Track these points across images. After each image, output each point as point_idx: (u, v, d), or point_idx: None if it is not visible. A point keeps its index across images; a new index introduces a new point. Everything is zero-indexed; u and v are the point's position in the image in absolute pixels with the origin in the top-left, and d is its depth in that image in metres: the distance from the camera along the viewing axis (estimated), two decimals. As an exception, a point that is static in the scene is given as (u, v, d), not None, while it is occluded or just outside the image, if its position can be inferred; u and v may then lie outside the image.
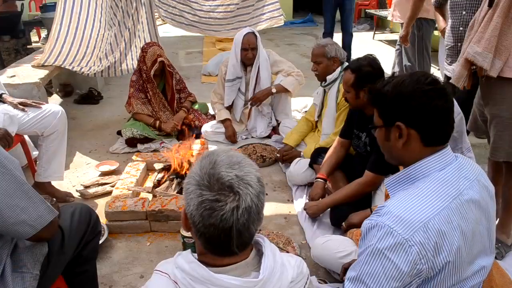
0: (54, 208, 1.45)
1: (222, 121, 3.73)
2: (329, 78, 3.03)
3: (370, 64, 2.34)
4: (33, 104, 2.65)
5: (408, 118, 1.23)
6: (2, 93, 2.69)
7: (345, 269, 1.74)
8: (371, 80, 2.27)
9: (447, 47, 2.81)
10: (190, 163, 2.89)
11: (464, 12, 2.59)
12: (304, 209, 2.54)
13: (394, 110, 1.25)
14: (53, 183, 2.81)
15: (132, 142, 3.59)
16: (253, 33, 3.59)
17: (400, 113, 1.24)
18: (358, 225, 2.17)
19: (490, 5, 2.00)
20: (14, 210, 1.31)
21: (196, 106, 3.96)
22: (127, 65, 4.42)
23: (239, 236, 0.93)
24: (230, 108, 3.88)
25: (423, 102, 1.20)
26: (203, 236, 0.94)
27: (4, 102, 2.63)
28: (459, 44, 2.65)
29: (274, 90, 3.61)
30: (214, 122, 3.79)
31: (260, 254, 1.02)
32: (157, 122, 3.65)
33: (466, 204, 1.18)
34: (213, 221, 0.91)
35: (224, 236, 0.93)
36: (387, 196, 1.89)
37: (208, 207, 0.91)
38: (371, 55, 2.41)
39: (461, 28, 2.63)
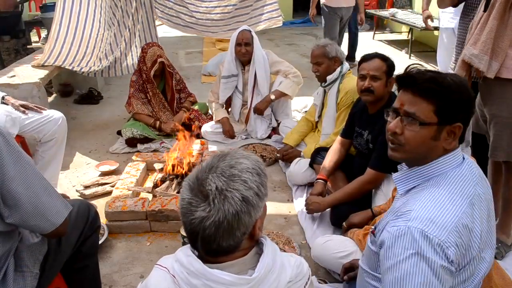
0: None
1: (219, 119, 3.73)
2: (329, 78, 3.03)
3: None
4: (35, 108, 2.65)
5: (465, 120, 1.21)
6: (5, 95, 2.69)
7: (346, 268, 1.73)
8: (393, 73, 2.35)
9: (456, 45, 2.83)
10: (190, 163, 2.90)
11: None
12: (306, 203, 2.52)
13: (459, 109, 1.19)
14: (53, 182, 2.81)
15: (132, 142, 3.59)
16: (249, 30, 3.60)
17: (463, 113, 1.20)
18: (358, 225, 2.17)
19: (485, 10, 2.02)
20: (36, 205, 1.32)
21: (196, 107, 3.96)
22: (127, 65, 4.42)
23: (205, 244, 0.95)
24: (228, 107, 3.88)
25: (473, 107, 1.21)
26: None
27: (6, 103, 2.63)
28: None
29: (273, 97, 3.63)
30: (213, 122, 3.79)
31: (260, 253, 1.03)
32: (157, 123, 3.65)
33: (479, 200, 1.18)
34: (185, 220, 0.96)
35: (192, 238, 0.96)
36: (394, 197, 1.89)
37: (184, 205, 0.96)
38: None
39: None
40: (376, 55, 2.38)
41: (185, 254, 0.99)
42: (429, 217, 1.08)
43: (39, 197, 1.33)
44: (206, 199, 0.93)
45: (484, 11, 2.02)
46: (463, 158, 1.24)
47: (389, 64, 2.35)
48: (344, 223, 2.28)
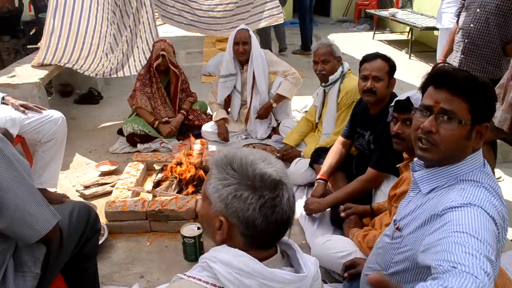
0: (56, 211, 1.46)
1: (217, 121, 3.74)
2: (332, 78, 3.02)
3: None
4: (35, 108, 2.65)
5: (490, 121, 1.22)
6: (5, 95, 2.69)
7: (346, 266, 1.73)
8: (394, 73, 2.36)
9: (456, 43, 2.85)
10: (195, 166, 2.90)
11: (478, 10, 2.65)
12: (306, 204, 2.52)
13: (489, 109, 1.20)
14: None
15: (132, 139, 3.58)
16: (247, 29, 3.62)
17: (491, 113, 1.21)
18: (357, 213, 2.18)
19: None
20: (23, 214, 1.32)
21: (196, 106, 3.94)
22: (129, 66, 4.39)
23: (291, 221, 1.00)
24: (227, 107, 3.88)
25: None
26: (261, 233, 0.95)
27: (6, 103, 2.63)
28: (466, 40, 2.72)
29: (274, 105, 3.68)
30: (213, 122, 3.79)
31: (280, 250, 1.05)
32: (156, 122, 3.64)
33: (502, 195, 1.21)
34: (276, 217, 0.95)
35: (283, 227, 0.98)
36: (391, 198, 1.90)
37: (270, 205, 0.94)
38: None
39: (471, 25, 2.69)
40: (378, 56, 2.37)
41: (234, 255, 0.94)
42: (481, 198, 1.09)
43: (26, 205, 1.32)
44: (282, 183, 0.96)
45: None
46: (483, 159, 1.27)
47: (391, 65, 2.35)
48: (341, 205, 2.26)
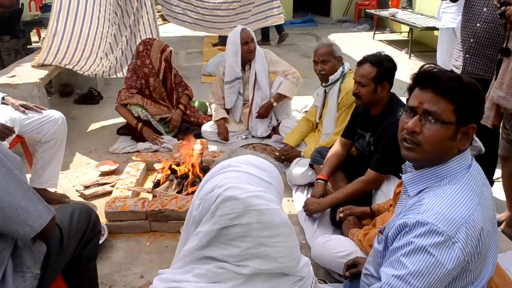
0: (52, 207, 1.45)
1: (217, 121, 3.74)
2: (332, 78, 3.02)
3: (389, 59, 2.33)
4: (35, 108, 2.65)
5: (478, 121, 1.22)
6: (5, 95, 2.69)
7: (348, 266, 1.73)
8: (391, 76, 2.31)
9: (458, 42, 2.82)
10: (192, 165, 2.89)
11: (485, 9, 2.60)
12: (305, 204, 2.52)
13: (476, 109, 1.20)
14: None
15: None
16: (246, 28, 3.66)
17: (478, 114, 1.22)
18: (355, 213, 2.18)
19: (503, 54, 2.23)
20: (15, 210, 1.31)
21: (196, 104, 3.93)
22: (128, 66, 4.41)
23: None
24: (229, 108, 3.88)
25: (484, 108, 1.26)
26: None
27: (6, 104, 2.63)
28: (471, 40, 2.68)
29: (275, 104, 3.68)
30: (213, 122, 3.79)
31: None
32: (139, 125, 3.56)
33: (485, 200, 1.19)
34: None
35: None
36: (396, 195, 1.90)
37: None
38: (382, 52, 2.40)
39: (478, 25, 2.63)
40: (368, 60, 2.34)
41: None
42: (440, 211, 1.10)
43: (18, 202, 1.31)
44: None
45: (504, 55, 2.24)
46: (471, 159, 1.26)
47: (381, 70, 2.29)
48: (341, 207, 2.25)
